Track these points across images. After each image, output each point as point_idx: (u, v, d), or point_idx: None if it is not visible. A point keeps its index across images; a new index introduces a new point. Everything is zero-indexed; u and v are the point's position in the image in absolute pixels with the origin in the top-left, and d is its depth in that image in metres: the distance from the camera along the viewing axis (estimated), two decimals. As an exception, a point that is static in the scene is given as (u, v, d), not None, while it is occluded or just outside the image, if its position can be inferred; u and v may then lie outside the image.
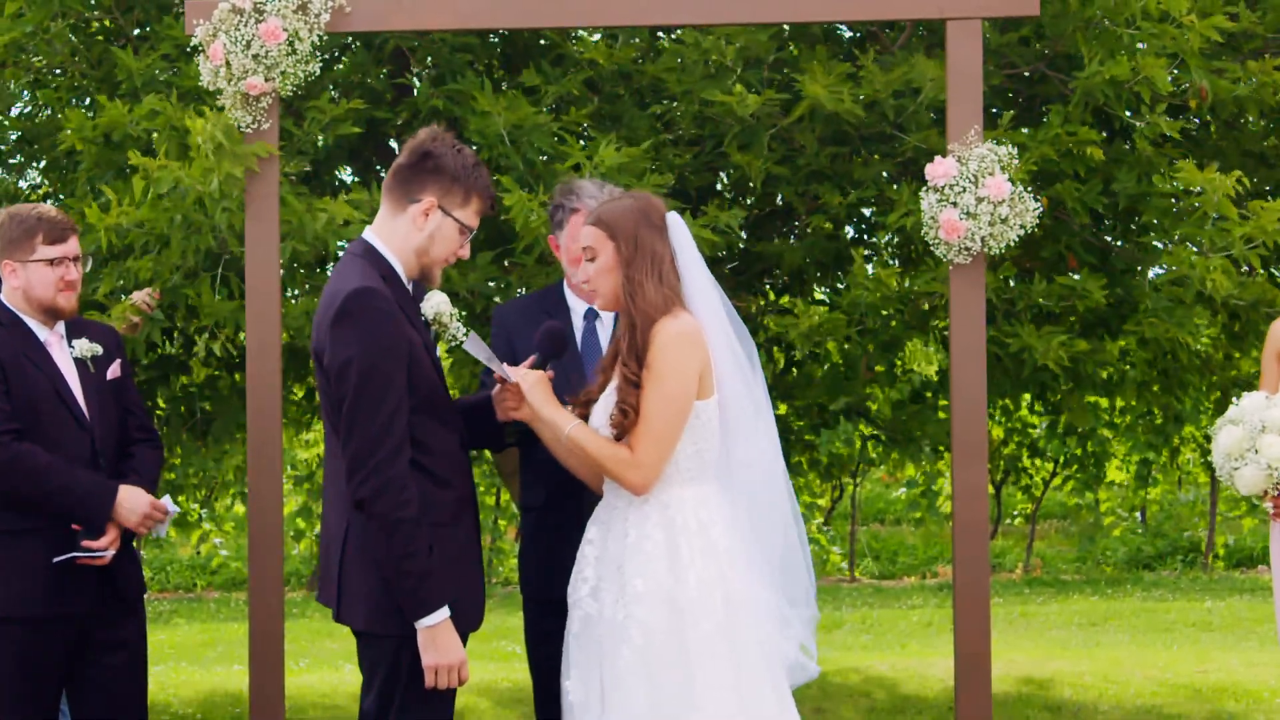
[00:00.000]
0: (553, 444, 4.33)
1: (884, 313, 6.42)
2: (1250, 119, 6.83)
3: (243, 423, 6.48)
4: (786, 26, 6.43)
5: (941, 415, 7.38)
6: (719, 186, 7.00)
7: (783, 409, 7.08)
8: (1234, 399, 5.29)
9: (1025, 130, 6.23)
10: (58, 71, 6.83)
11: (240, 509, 14.31)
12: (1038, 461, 15.40)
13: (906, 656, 9.98)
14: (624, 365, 4.13)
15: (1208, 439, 5.62)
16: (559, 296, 4.99)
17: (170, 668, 10.04)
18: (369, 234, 4.24)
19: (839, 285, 7.05)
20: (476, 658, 9.02)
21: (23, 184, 7.29)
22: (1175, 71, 6.16)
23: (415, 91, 6.66)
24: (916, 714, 8.05)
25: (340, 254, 5.99)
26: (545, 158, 6.09)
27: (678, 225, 4.25)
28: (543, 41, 6.75)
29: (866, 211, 7.02)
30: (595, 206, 4.47)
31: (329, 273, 6.36)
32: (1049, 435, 14.87)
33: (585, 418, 4.24)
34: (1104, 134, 6.49)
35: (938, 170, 5.01)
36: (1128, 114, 6.15)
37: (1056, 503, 17.27)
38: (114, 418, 4.88)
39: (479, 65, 6.69)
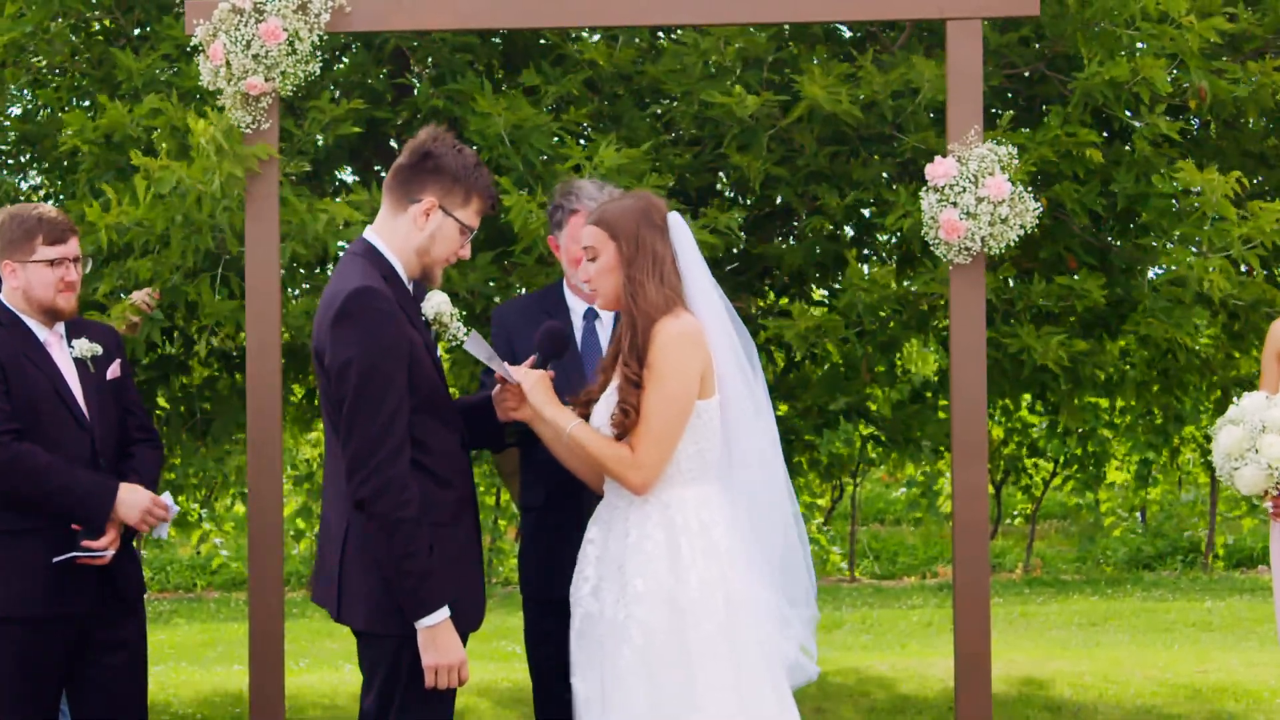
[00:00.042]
0: (553, 443, 4.33)
1: (881, 313, 6.42)
2: (1250, 119, 6.83)
3: (243, 423, 6.48)
4: (786, 26, 6.43)
5: (941, 415, 7.38)
6: (719, 187, 7.00)
7: (783, 409, 7.08)
8: (1234, 399, 5.29)
9: (1025, 131, 6.23)
10: (58, 72, 6.83)
11: (240, 509, 14.31)
12: (1038, 461, 15.40)
13: (906, 656, 9.98)
14: (625, 365, 4.14)
15: (1208, 439, 5.63)
16: (559, 296, 4.99)
17: (170, 668, 10.04)
18: (369, 234, 4.24)
19: (837, 286, 7.05)
20: (476, 658, 9.02)
21: (23, 184, 7.30)
22: (1175, 72, 6.17)
23: (415, 91, 6.66)
24: (916, 714, 8.05)
25: (340, 254, 5.99)
26: (545, 158, 6.09)
27: (679, 225, 4.25)
28: (543, 41, 6.75)
29: (866, 213, 7.02)
30: (595, 207, 4.48)
31: (329, 273, 6.36)
32: (1049, 435, 14.88)
33: (586, 417, 4.25)
34: (1103, 135, 6.49)
35: (938, 170, 5.01)
36: (1127, 114, 6.15)
37: (1056, 503, 17.27)
38: (114, 418, 4.88)
39: (479, 65, 6.69)
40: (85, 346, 4.86)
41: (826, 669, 8.60)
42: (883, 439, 7.81)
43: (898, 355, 7.58)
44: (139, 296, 5.77)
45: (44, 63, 6.80)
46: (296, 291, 6.69)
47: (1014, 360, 6.42)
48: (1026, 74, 6.50)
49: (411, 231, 4.19)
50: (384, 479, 3.95)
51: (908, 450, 7.75)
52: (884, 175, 6.58)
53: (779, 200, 6.91)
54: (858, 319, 6.27)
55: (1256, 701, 8.20)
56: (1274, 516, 5.28)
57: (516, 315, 4.97)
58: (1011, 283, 6.68)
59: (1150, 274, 6.62)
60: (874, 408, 7.65)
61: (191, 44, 5.12)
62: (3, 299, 4.83)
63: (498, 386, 4.40)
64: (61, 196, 6.99)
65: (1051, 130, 6.06)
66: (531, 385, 4.25)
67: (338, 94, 6.66)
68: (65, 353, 4.84)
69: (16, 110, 7.09)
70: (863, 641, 11.13)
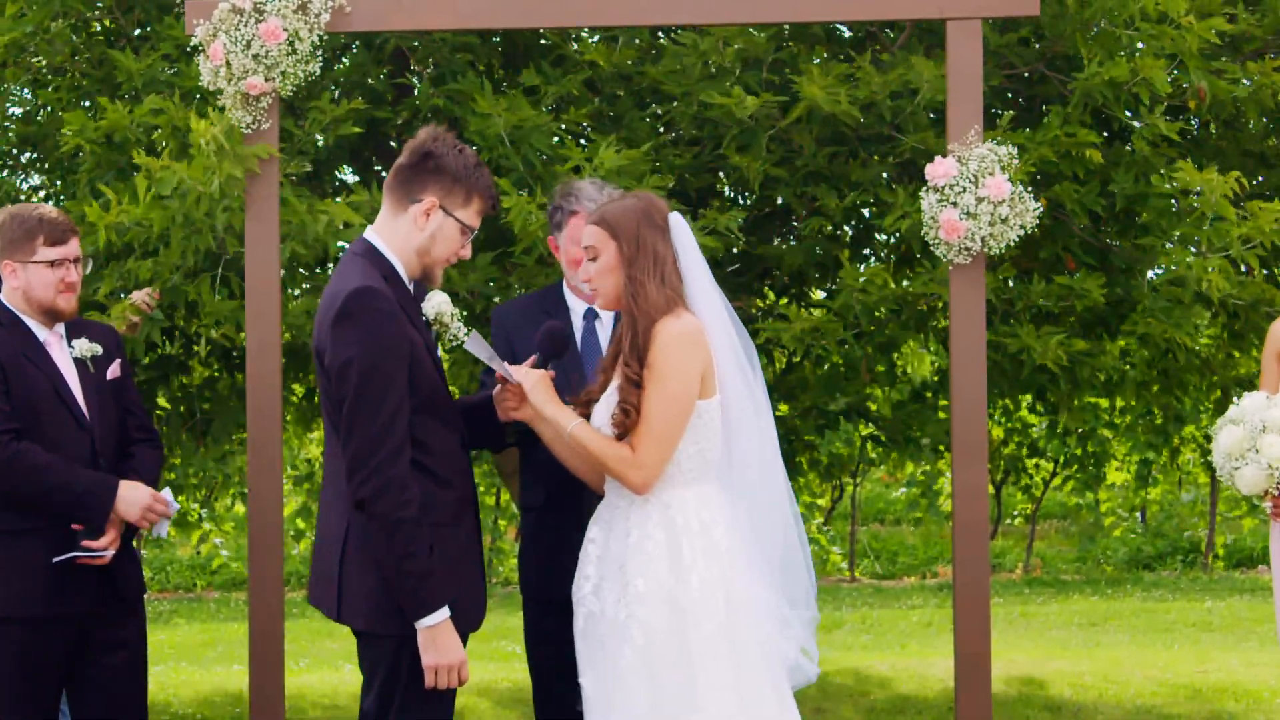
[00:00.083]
0: (554, 443, 4.33)
1: (878, 314, 6.42)
2: (1250, 120, 6.83)
3: (243, 423, 6.48)
4: (786, 27, 6.43)
5: (941, 415, 7.38)
6: (719, 187, 7.00)
7: (784, 409, 7.09)
8: (1234, 399, 5.29)
9: (1025, 131, 6.23)
10: (58, 72, 6.83)
11: (240, 509, 14.30)
12: (1038, 461, 15.40)
13: (906, 656, 9.98)
14: (625, 365, 4.14)
15: (1208, 439, 5.63)
16: (559, 296, 4.99)
17: (170, 668, 10.04)
18: (370, 234, 4.24)
19: (833, 288, 7.06)
20: (476, 658, 9.02)
21: (23, 185, 7.29)
22: (1175, 72, 6.17)
23: (415, 91, 6.66)
24: (916, 714, 8.05)
25: (340, 254, 6.00)
26: (545, 159, 6.09)
27: (680, 226, 4.25)
28: (543, 41, 6.75)
29: (865, 213, 7.02)
30: (594, 208, 4.48)
31: (329, 273, 6.36)
32: (1049, 435, 14.87)
33: (587, 417, 4.25)
34: (1103, 135, 6.49)
35: (938, 170, 5.01)
36: (1127, 115, 6.15)
37: (1056, 503, 17.27)
38: (114, 418, 4.88)
39: (479, 65, 6.69)
40: (85, 346, 4.86)
41: (826, 669, 8.60)
42: (883, 439, 7.81)
43: (896, 355, 7.58)
44: (139, 296, 5.78)
45: (44, 63, 6.80)
46: (297, 291, 6.69)
47: (1014, 360, 6.42)
48: (1026, 74, 6.51)
49: (412, 231, 4.19)
50: (384, 479, 3.95)
51: (908, 450, 7.75)
52: (883, 176, 6.58)
53: (779, 201, 6.92)
54: (855, 320, 6.27)
55: (1256, 701, 8.20)
56: (1274, 516, 5.29)
57: (516, 315, 4.97)
58: (1011, 283, 6.68)
59: (1150, 274, 6.62)
60: (874, 408, 7.65)
61: (191, 44, 5.12)
62: (3, 299, 4.83)
63: (498, 386, 4.40)
64: (62, 197, 6.99)
65: (1051, 130, 6.06)
66: (532, 385, 4.25)
67: (338, 94, 6.66)
68: (65, 353, 4.84)
69: (17, 111, 7.09)
70: (863, 641, 11.13)
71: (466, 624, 4.13)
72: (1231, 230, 5.91)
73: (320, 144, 6.41)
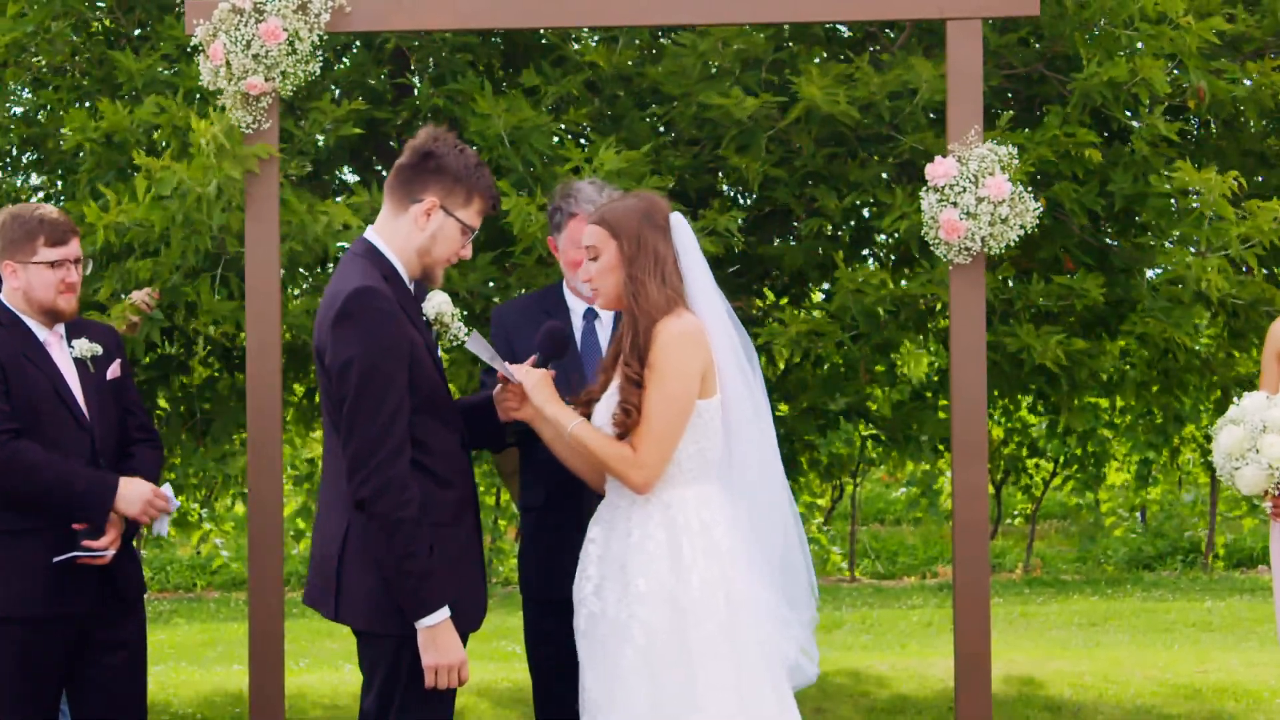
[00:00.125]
0: (554, 443, 4.33)
1: (878, 313, 6.42)
2: (1250, 119, 6.83)
3: (243, 423, 6.48)
4: (786, 27, 6.43)
5: (941, 415, 7.38)
6: (719, 186, 7.00)
7: (784, 409, 7.09)
8: (1234, 399, 5.29)
9: (1025, 131, 6.23)
10: (59, 71, 6.83)
11: (240, 509, 14.30)
12: (1038, 461, 15.40)
13: (906, 656, 9.98)
14: (626, 365, 4.14)
15: (1208, 439, 5.63)
16: (558, 296, 4.99)
17: (170, 668, 10.05)
18: (371, 233, 4.24)
19: (829, 288, 7.06)
20: (476, 658, 9.02)
21: (21, 184, 7.29)
22: (1175, 72, 6.17)
23: (415, 91, 6.66)
24: (916, 714, 8.05)
25: (339, 255, 6.00)
26: (545, 159, 6.09)
27: (682, 226, 4.25)
28: (543, 41, 6.75)
29: (865, 213, 7.02)
30: (594, 209, 4.48)
31: (330, 272, 6.36)
32: (1049, 435, 14.87)
33: (587, 417, 4.25)
34: (1102, 135, 6.49)
35: (938, 170, 5.01)
36: (1126, 115, 6.15)
37: (1056, 503, 17.27)
38: (114, 418, 4.88)
39: (479, 65, 6.69)
40: (85, 346, 4.86)
41: (826, 669, 8.60)
42: (882, 438, 7.81)
43: (895, 356, 7.58)
44: (139, 296, 5.78)
45: (44, 63, 6.80)
46: (296, 292, 6.69)
47: (1013, 360, 6.42)
48: (1026, 74, 6.51)
49: (413, 231, 4.19)
50: (384, 479, 3.95)
51: (908, 448, 7.75)
52: (882, 176, 6.58)
53: (778, 201, 6.92)
54: (852, 321, 6.26)
55: (1256, 701, 8.21)
56: (1274, 516, 5.29)
57: (516, 315, 4.97)
58: (1010, 283, 6.68)
59: (1149, 274, 6.62)
60: (874, 408, 7.65)
61: (192, 44, 5.12)
62: (3, 299, 4.83)
63: (498, 386, 4.41)
64: (62, 197, 6.99)
65: (1050, 130, 6.06)
66: (534, 384, 4.26)
67: (338, 94, 6.66)
68: (65, 353, 4.84)
69: (18, 111, 7.09)
70: (863, 641, 11.13)
71: (466, 624, 4.13)
72: (1230, 230, 5.92)
73: (320, 144, 6.41)
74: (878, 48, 6.58)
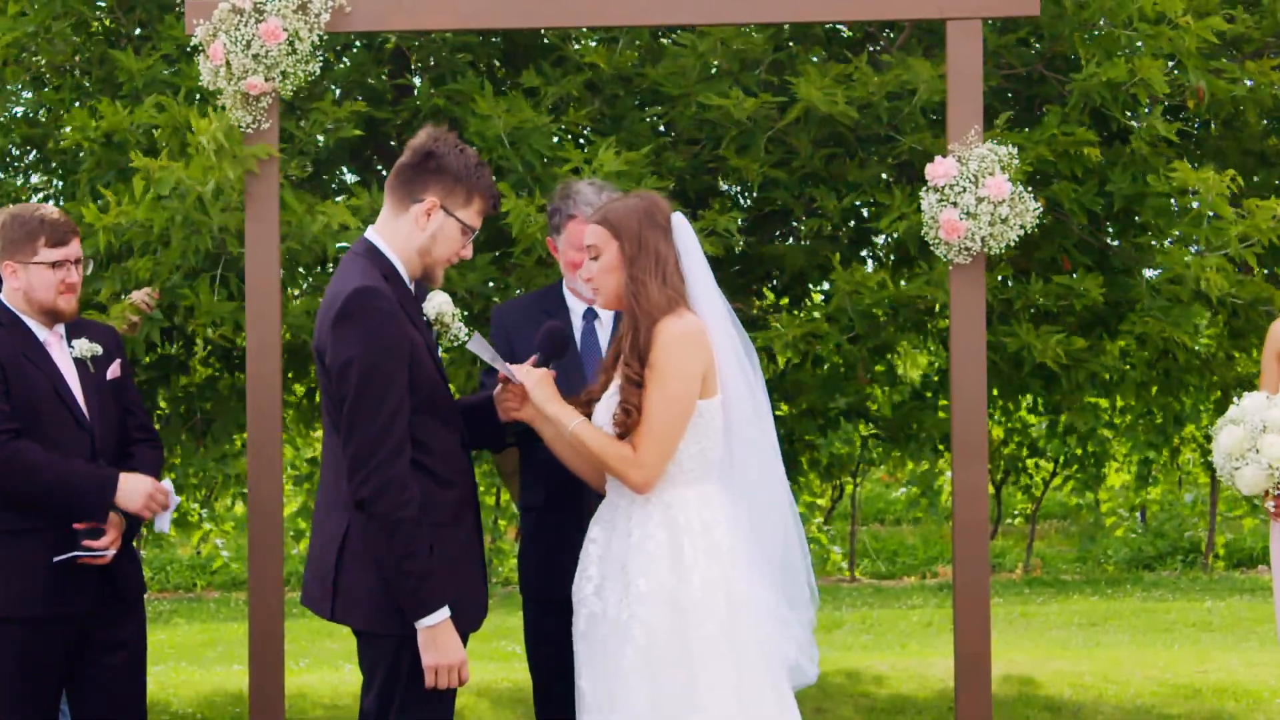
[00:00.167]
0: (554, 443, 4.33)
1: (877, 314, 6.42)
2: (1249, 119, 6.83)
3: (243, 423, 6.49)
4: (786, 27, 6.43)
5: (941, 415, 7.38)
6: (721, 187, 7.00)
7: (784, 409, 7.09)
8: (1234, 399, 5.29)
9: (1024, 131, 6.24)
10: (59, 71, 6.83)
11: (240, 509, 14.30)
12: (1038, 461, 15.40)
13: (906, 656, 9.98)
14: (626, 365, 4.14)
15: (1208, 439, 5.63)
16: (558, 296, 4.99)
17: (170, 668, 10.05)
18: (371, 233, 4.24)
19: (826, 288, 7.06)
20: (476, 658, 9.03)
21: (21, 183, 7.29)
22: (1174, 72, 6.17)
23: (415, 91, 6.66)
24: (916, 714, 8.05)
25: (339, 255, 6.00)
26: (545, 160, 6.09)
27: (683, 226, 4.25)
28: (543, 41, 6.75)
29: (864, 213, 7.02)
30: (593, 210, 4.48)
31: (330, 272, 6.37)
32: (1049, 435, 14.87)
33: (588, 417, 4.25)
34: (1102, 135, 6.49)
35: (938, 170, 5.01)
36: (1126, 115, 6.15)
37: (1056, 503, 17.27)
38: (114, 418, 4.88)
39: (479, 65, 6.69)
40: (85, 346, 4.86)
41: (826, 669, 8.60)
42: (882, 437, 7.81)
43: (894, 356, 7.58)
44: (138, 296, 5.78)
45: (45, 63, 6.80)
46: (296, 292, 6.70)
47: (1013, 360, 6.42)
48: (1025, 74, 6.51)
49: (413, 231, 4.19)
50: (384, 479, 3.95)
51: (908, 447, 7.75)
52: (882, 177, 6.58)
53: (778, 202, 6.92)
54: (849, 323, 6.26)
55: (1256, 701, 8.21)
56: (1274, 516, 5.29)
57: (516, 315, 4.97)
58: (1009, 283, 6.68)
59: (1148, 273, 6.62)
60: (874, 408, 7.65)
61: (192, 44, 5.12)
62: (3, 299, 4.83)
63: (499, 386, 4.41)
64: (61, 198, 6.99)
65: (1049, 130, 6.07)
66: (534, 384, 4.26)
67: (338, 94, 6.66)
68: (65, 353, 4.84)
69: (18, 111, 7.10)
70: (863, 641, 11.13)
71: (467, 624, 4.13)
72: (1229, 229, 5.92)
73: (320, 144, 6.41)
74: (877, 48, 6.58)
